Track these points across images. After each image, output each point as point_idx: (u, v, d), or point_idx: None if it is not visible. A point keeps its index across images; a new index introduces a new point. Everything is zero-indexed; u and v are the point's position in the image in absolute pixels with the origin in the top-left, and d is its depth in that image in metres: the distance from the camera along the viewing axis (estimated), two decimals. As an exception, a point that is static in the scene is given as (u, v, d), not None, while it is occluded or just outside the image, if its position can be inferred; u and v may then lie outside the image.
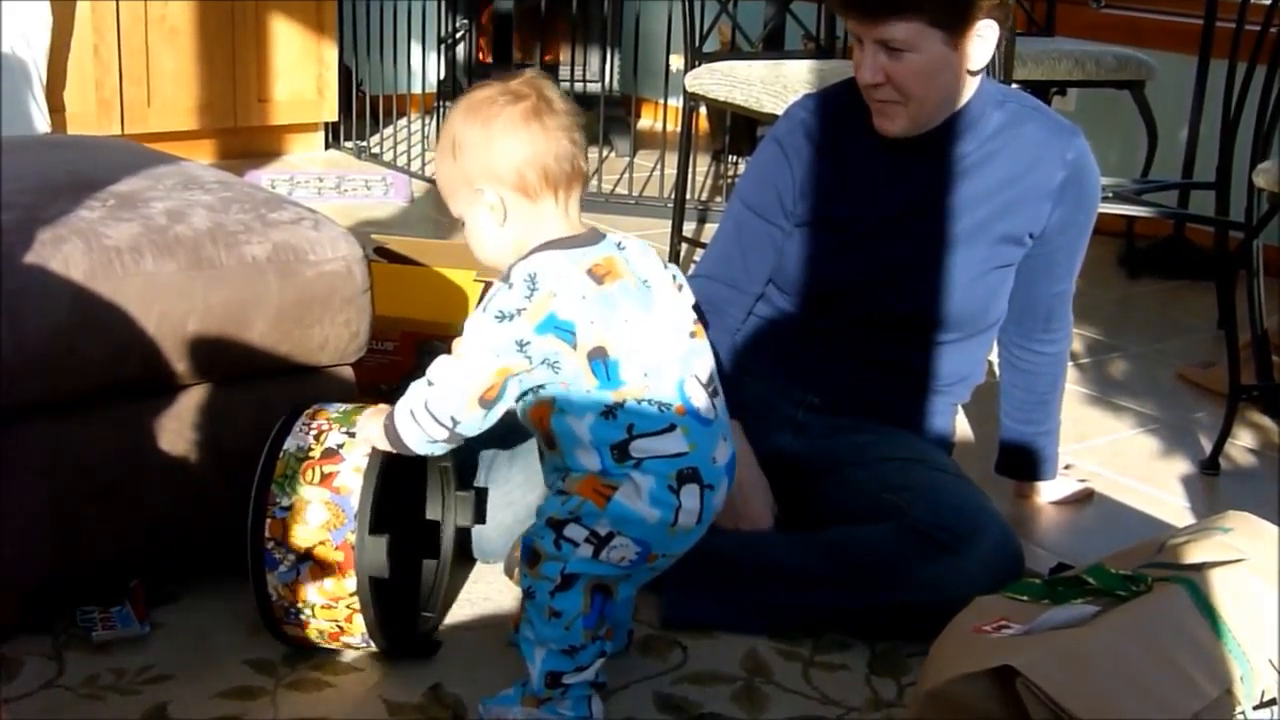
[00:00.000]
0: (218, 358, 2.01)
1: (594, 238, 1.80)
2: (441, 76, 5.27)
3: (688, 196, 3.88)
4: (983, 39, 2.16)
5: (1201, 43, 3.98)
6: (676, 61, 4.75)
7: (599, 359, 1.74)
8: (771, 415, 2.35)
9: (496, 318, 1.70)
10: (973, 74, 2.20)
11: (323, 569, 1.85)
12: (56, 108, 4.51)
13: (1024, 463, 2.54)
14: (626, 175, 4.82)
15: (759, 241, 2.36)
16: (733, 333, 2.38)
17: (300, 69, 4.97)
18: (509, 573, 2.20)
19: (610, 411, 1.74)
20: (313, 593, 1.86)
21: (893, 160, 2.28)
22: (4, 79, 4.31)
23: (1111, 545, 2.04)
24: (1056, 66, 3.73)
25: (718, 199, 4.65)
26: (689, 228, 4.02)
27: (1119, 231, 4.26)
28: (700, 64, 3.60)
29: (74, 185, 2.07)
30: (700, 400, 1.79)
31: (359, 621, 1.87)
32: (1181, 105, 4.10)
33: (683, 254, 3.77)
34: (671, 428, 1.75)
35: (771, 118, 3.29)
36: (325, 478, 1.86)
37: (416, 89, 5.29)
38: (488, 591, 2.19)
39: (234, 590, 2.13)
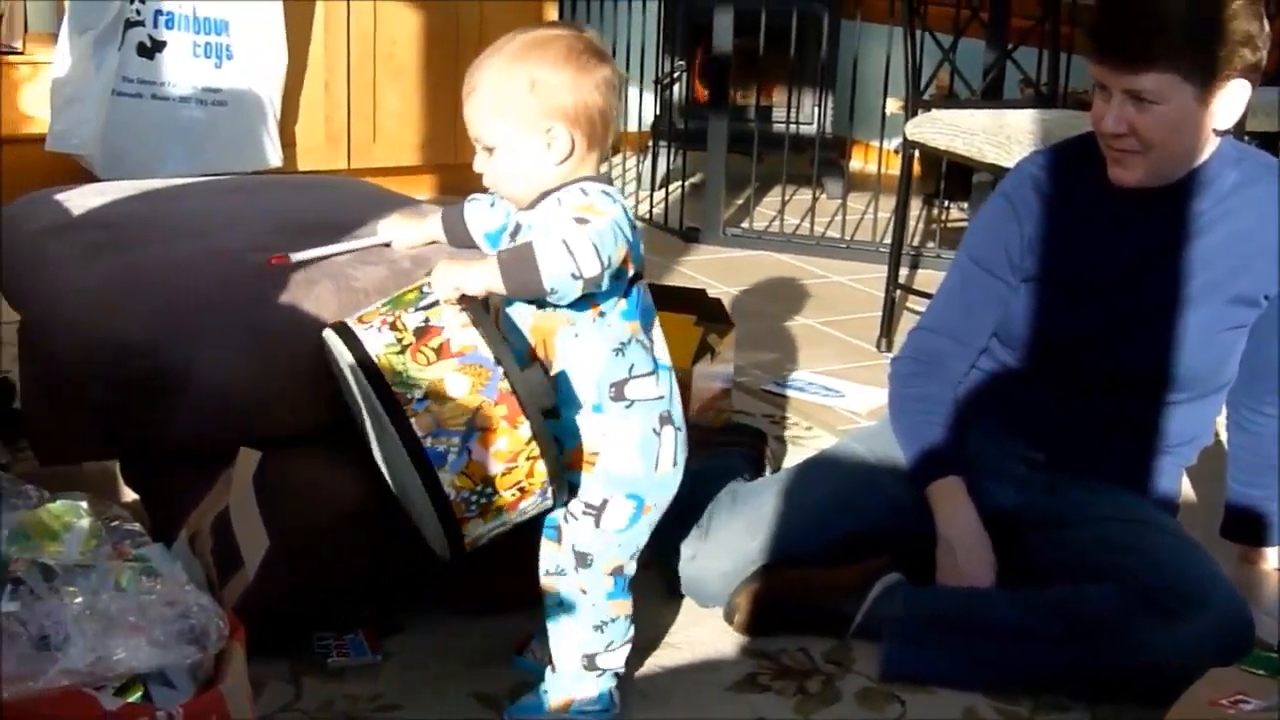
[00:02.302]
0: (455, 398, 2.06)
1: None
2: (654, 115, 5.34)
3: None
4: (1233, 98, 2.13)
5: None
6: (893, 105, 4.75)
7: (638, 285, 1.83)
8: (992, 470, 2.33)
9: (606, 195, 1.78)
10: (1218, 133, 2.17)
11: (491, 431, 1.72)
12: (288, 142, 4.68)
13: (1250, 527, 2.48)
14: (838, 218, 4.83)
15: (985, 297, 2.35)
16: (954, 386, 2.38)
17: (519, 107, 5.07)
18: (729, 618, 2.22)
19: (621, 348, 1.82)
20: (491, 463, 1.73)
21: (1125, 214, 2.26)
22: (241, 114, 4.50)
23: (1349, 619, 1.99)
24: (1289, 118, 3.65)
25: (930, 245, 4.63)
26: (901, 274, 4.01)
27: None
28: (921, 111, 3.60)
29: (322, 227, 2.15)
30: (662, 347, 1.89)
31: (540, 470, 1.75)
32: None
33: (896, 301, 3.76)
34: (654, 371, 1.85)
35: (993, 168, 3.28)
36: (439, 350, 1.73)
37: (632, 127, 5.37)
38: (704, 635, 2.22)
39: (460, 623, 2.19)
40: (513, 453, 1.73)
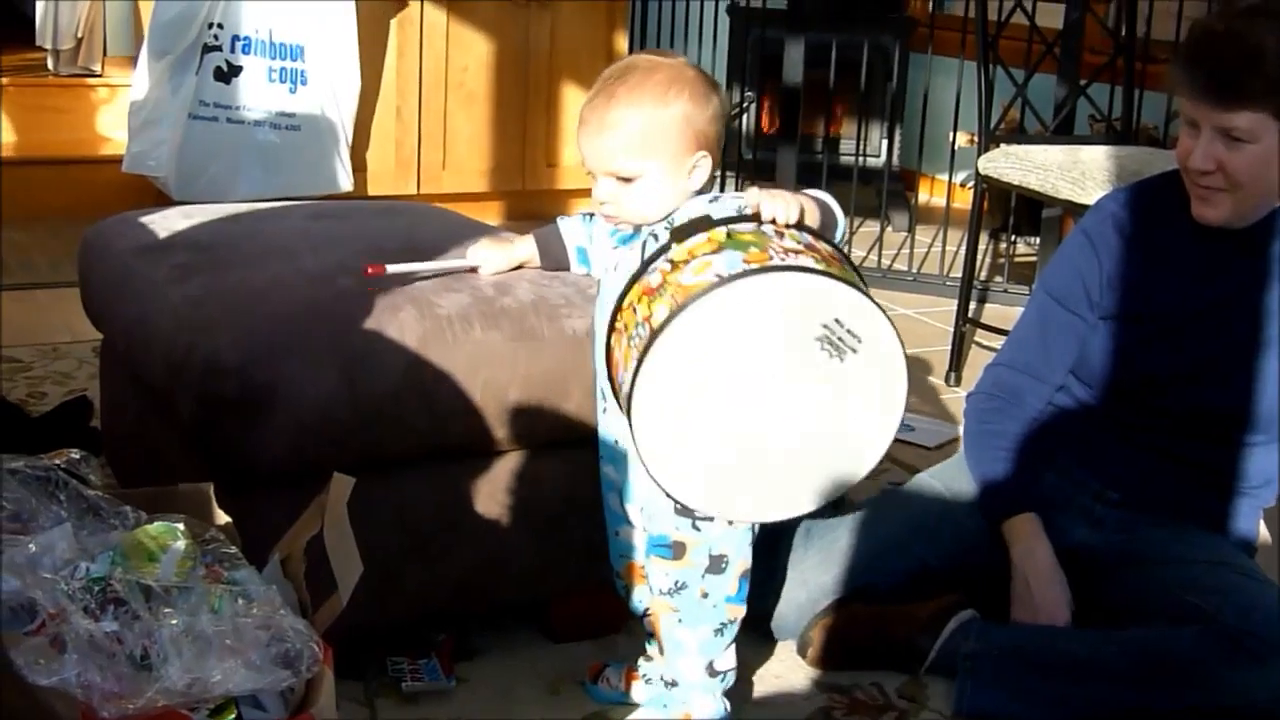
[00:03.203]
0: (534, 425, 2.07)
1: None
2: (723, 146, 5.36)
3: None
4: None
5: None
6: (962, 139, 4.75)
7: None
8: (1068, 507, 2.33)
9: None
10: None
11: None
12: (359, 167, 4.73)
13: (1329, 571, 2.46)
14: (905, 251, 4.82)
15: (1062, 332, 2.34)
16: (1030, 422, 2.37)
17: (588, 135, 5.10)
18: (802, 652, 2.22)
19: None
20: None
21: (1206, 255, 2.25)
22: (314, 139, 4.54)
23: None
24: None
25: (997, 279, 4.62)
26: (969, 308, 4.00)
27: None
28: (993, 146, 3.59)
29: (407, 253, 2.17)
30: None
31: None
32: None
33: (965, 335, 3.75)
34: None
35: (1068, 204, 3.27)
36: (828, 259, 1.80)
37: (698, 157, 5.38)
38: (779, 670, 2.22)
39: (535, 649, 2.20)
40: None
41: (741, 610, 1.94)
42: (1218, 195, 2.17)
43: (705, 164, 1.91)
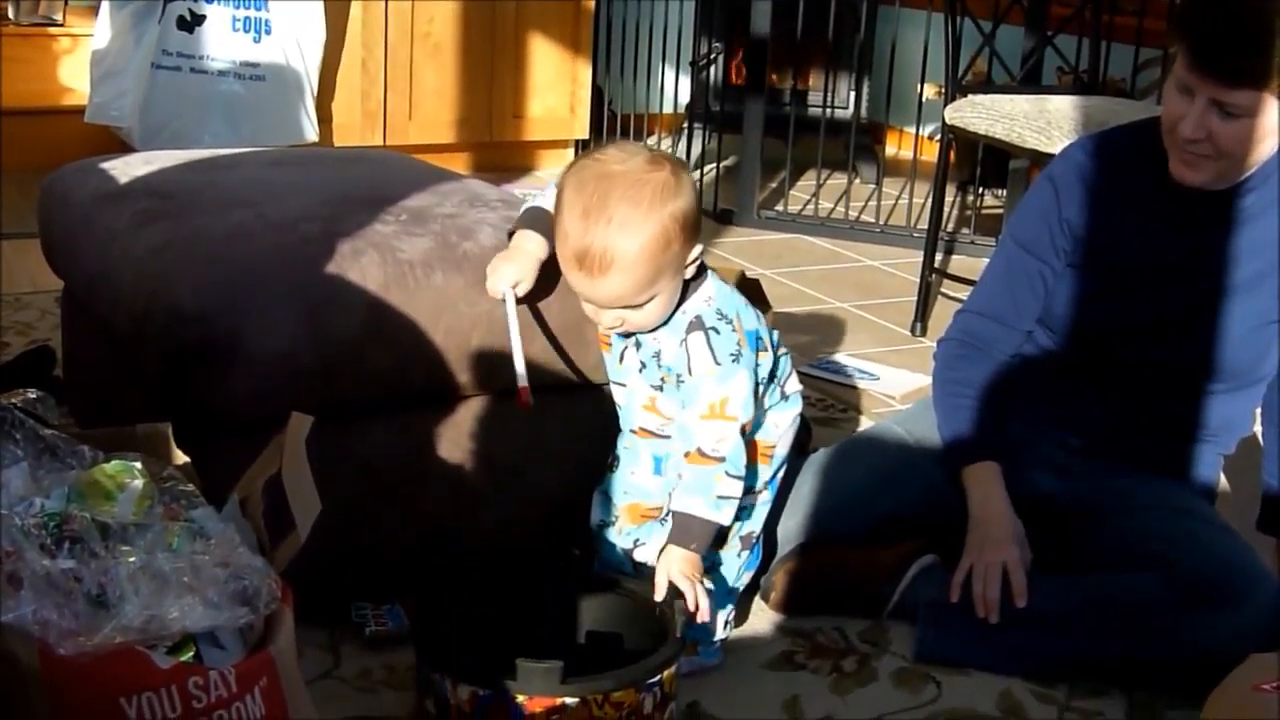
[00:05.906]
0: (497, 371, 2.07)
1: None
2: (690, 98, 5.34)
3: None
4: None
5: None
6: (929, 91, 4.74)
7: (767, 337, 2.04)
8: (1031, 454, 2.33)
9: (733, 360, 1.91)
10: None
11: None
12: (324, 118, 4.70)
13: (1289, 519, 2.47)
14: (872, 203, 4.83)
15: (1029, 279, 2.34)
16: (997, 370, 2.36)
17: (555, 88, 5.09)
18: (765, 597, 2.23)
19: (771, 374, 2.04)
20: None
21: (1170, 210, 2.23)
22: (278, 89, 4.51)
23: (1388, 608, 1.99)
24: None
25: (964, 230, 4.62)
26: (936, 259, 4.00)
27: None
28: (960, 96, 3.59)
29: (369, 200, 2.16)
30: None
31: None
32: None
33: (931, 285, 3.76)
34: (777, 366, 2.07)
35: (1034, 153, 3.27)
36: None
37: (668, 109, 5.37)
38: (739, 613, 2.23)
39: (499, 596, 2.20)
40: None
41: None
42: (1204, 161, 2.12)
43: (698, 249, 1.90)
